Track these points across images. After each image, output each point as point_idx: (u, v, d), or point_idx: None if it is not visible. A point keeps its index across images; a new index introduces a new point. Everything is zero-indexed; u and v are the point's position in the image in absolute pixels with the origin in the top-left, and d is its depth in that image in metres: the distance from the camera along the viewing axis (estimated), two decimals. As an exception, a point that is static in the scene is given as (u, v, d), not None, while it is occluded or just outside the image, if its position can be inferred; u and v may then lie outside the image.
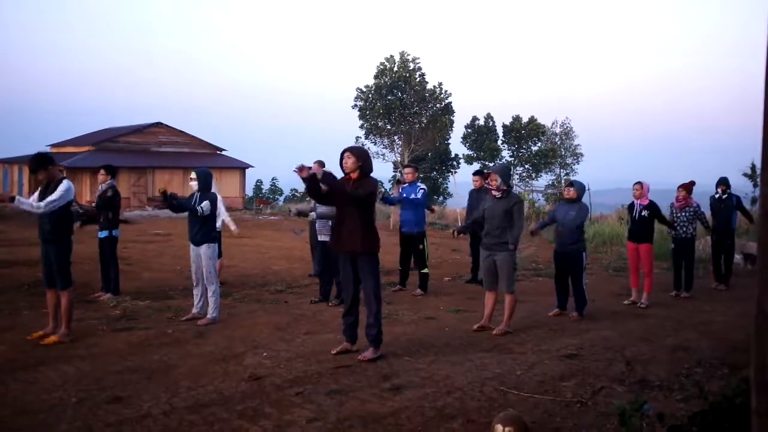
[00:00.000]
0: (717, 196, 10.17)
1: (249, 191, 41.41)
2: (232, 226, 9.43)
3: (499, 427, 3.53)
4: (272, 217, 26.64)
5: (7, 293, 8.55)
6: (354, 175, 5.54)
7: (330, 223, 7.87)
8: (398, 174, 36.50)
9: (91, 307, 7.81)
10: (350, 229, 5.49)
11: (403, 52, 37.73)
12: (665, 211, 9.60)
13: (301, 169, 5.37)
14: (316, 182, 5.52)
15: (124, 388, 4.73)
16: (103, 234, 8.41)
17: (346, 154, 5.55)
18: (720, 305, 8.50)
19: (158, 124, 34.36)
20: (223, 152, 36.01)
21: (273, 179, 52.28)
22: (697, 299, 9.00)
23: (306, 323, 6.98)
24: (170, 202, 6.86)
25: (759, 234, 1.78)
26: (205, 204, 6.91)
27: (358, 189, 5.46)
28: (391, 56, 37.96)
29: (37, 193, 6.20)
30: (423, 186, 9.44)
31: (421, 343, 6.06)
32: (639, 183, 8.67)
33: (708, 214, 10.14)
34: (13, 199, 6.32)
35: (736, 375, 4.56)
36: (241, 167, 35.00)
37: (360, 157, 5.56)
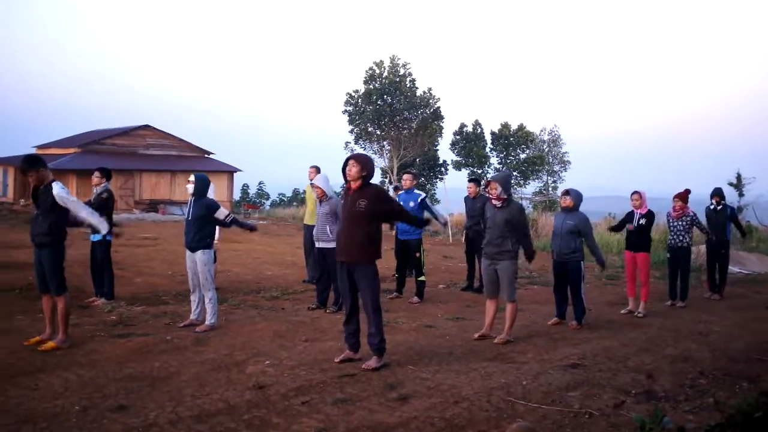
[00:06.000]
0: (712, 207, 10.24)
1: (236, 195, 41.22)
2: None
3: (514, 439, 3.51)
4: (261, 222, 26.50)
5: (-2, 297, 8.44)
6: (355, 184, 5.53)
7: (327, 228, 7.85)
8: (387, 180, 36.47)
9: (86, 312, 7.70)
10: (350, 238, 5.49)
11: (393, 56, 37.79)
12: (662, 221, 9.64)
13: None
14: None
15: (127, 396, 4.65)
16: (96, 238, 8.27)
17: (351, 162, 5.54)
18: (716, 315, 8.55)
19: (146, 127, 34.13)
20: (211, 156, 35.81)
21: (260, 183, 52.11)
22: (693, 309, 9.04)
23: (305, 330, 6.93)
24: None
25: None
26: (221, 212, 7.04)
27: (360, 201, 5.46)
28: (381, 61, 38.01)
29: (32, 204, 6.17)
30: (422, 193, 9.42)
31: (423, 352, 6.02)
32: (637, 192, 8.68)
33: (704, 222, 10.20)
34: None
35: (750, 388, 4.58)
36: (229, 171, 34.81)
37: (365, 166, 5.55)
